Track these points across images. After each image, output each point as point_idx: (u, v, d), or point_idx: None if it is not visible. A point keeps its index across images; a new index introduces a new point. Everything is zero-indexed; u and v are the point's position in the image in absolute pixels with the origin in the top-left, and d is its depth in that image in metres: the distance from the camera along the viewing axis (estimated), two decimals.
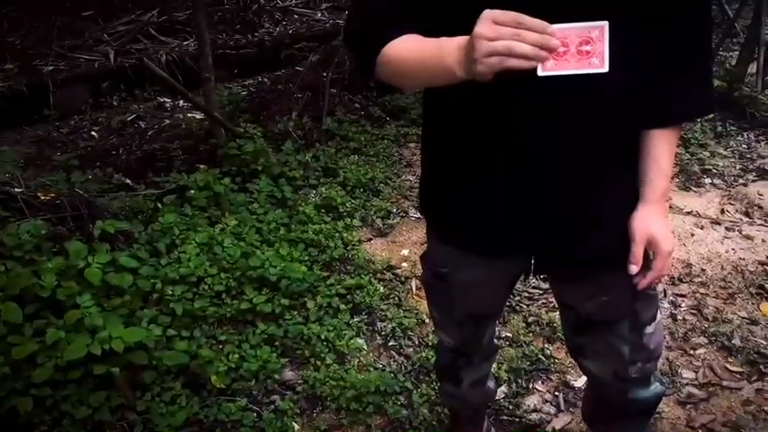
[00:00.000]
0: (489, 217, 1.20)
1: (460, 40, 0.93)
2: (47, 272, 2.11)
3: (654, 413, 1.51)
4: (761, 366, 2.28)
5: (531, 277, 1.36)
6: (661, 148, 1.14)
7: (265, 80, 5.24)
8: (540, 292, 2.65)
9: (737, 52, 5.00)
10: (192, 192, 3.00)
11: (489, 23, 0.86)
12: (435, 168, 1.28)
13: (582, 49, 0.84)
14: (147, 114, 4.61)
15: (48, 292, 2.06)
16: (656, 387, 1.43)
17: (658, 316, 1.33)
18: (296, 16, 6.62)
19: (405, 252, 2.99)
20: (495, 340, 1.75)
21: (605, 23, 0.83)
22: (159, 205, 2.92)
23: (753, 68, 4.76)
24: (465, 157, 1.17)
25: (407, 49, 1.07)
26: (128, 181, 3.26)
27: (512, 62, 0.86)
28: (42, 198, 2.64)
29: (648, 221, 1.16)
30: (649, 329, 1.30)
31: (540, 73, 0.86)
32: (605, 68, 0.83)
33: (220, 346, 2.31)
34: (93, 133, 4.36)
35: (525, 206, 1.16)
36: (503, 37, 0.85)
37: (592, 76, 0.88)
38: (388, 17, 1.11)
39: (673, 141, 1.16)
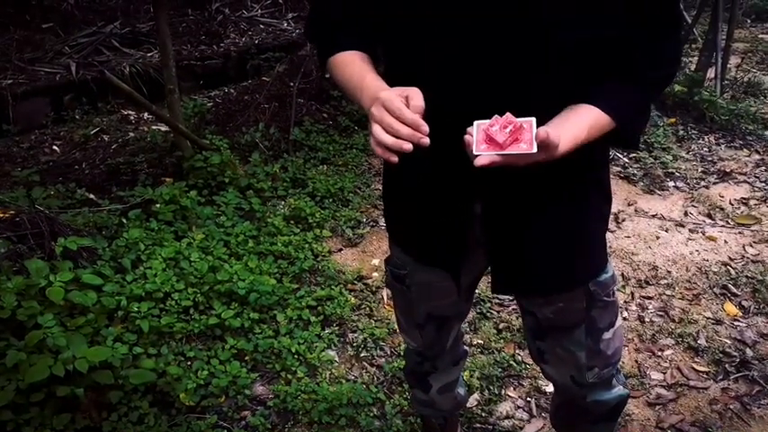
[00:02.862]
0: (434, 233, 1.23)
1: (375, 91, 1.01)
2: (6, 292, 2.05)
3: (618, 417, 1.52)
4: (726, 365, 2.32)
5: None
6: (583, 110, 1.05)
7: (231, 91, 5.19)
8: (511, 298, 2.67)
9: (696, 57, 5.12)
10: (158, 206, 2.95)
11: (379, 107, 0.96)
12: (391, 178, 1.32)
13: (515, 136, 0.94)
14: (111, 127, 4.52)
15: (7, 313, 2.00)
16: (618, 390, 1.43)
17: (617, 322, 1.34)
18: (262, 26, 6.58)
19: (375, 262, 2.98)
20: (464, 346, 1.76)
21: (533, 119, 0.93)
22: (124, 220, 2.87)
23: (711, 73, 4.89)
24: (414, 173, 1.19)
25: (343, 71, 1.15)
26: (91, 196, 3.19)
27: (378, 150, 0.97)
28: (1, 215, 2.57)
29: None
30: (607, 335, 1.31)
31: (474, 152, 0.94)
32: (534, 150, 0.92)
33: (189, 363, 2.27)
34: (54, 147, 4.26)
35: (469, 228, 1.19)
36: (382, 123, 0.95)
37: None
38: (340, 23, 1.18)
39: (588, 123, 1.05)
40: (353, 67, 1.14)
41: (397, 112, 0.94)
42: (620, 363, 2.03)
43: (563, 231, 1.19)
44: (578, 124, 1.02)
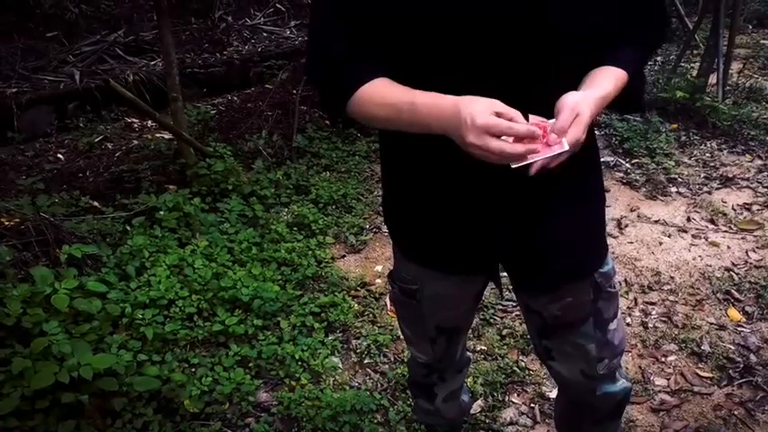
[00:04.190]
0: (449, 236, 1.23)
1: (449, 106, 0.98)
2: (12, 299, 2.06)
3: (622, 413, 1.53)
4: (730, 371, 2.32)
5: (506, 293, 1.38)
6: (604, 71, 1.11)
7: (235, 99, 5.22)
8: (514, 304, 2.67)
9: (698, 63, 5.13)
10: (162, 213, 2.97)
11: (491, 116, 0.94)
12: (395, 186, 1.30)
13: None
14: (115, 135, 4.55)
15: (13, 320, 2.01)
16: (623, 383, 1.45)
17: (618, 313, 1.36)
18: (264, 34, 6.62)
19: (378, 268, 2.99)
20: (467, 352, 1.76)
21: (549, 122, 0.99)
22: (128, 228, 2.88)
23: (713, 79, 4.89)
24: (423, 176, 1.19)
25: (380, 98, 1.07)
26: (95, 204, 3.21)
27: (492, 158, 0.96)
28: (6, 223, 2.58)
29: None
30: (612, 326, 1.33)
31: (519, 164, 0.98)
32: (566, 147, 0.97)
33: (193, 370, 2.27)
34: (59, 156, 4.28)
35: (485, 226, 1.19)
36: (499, 129, 0.94)
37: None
38: (349, 61, 1.09)
39: (613, 76, 1.11)
40: (392, 91, 1.06)
41: (516, 117, 0.96)
42: (624, 367, 2.03)
43: (573, 225, 1.22)
44: (606, 83, 1.08)
